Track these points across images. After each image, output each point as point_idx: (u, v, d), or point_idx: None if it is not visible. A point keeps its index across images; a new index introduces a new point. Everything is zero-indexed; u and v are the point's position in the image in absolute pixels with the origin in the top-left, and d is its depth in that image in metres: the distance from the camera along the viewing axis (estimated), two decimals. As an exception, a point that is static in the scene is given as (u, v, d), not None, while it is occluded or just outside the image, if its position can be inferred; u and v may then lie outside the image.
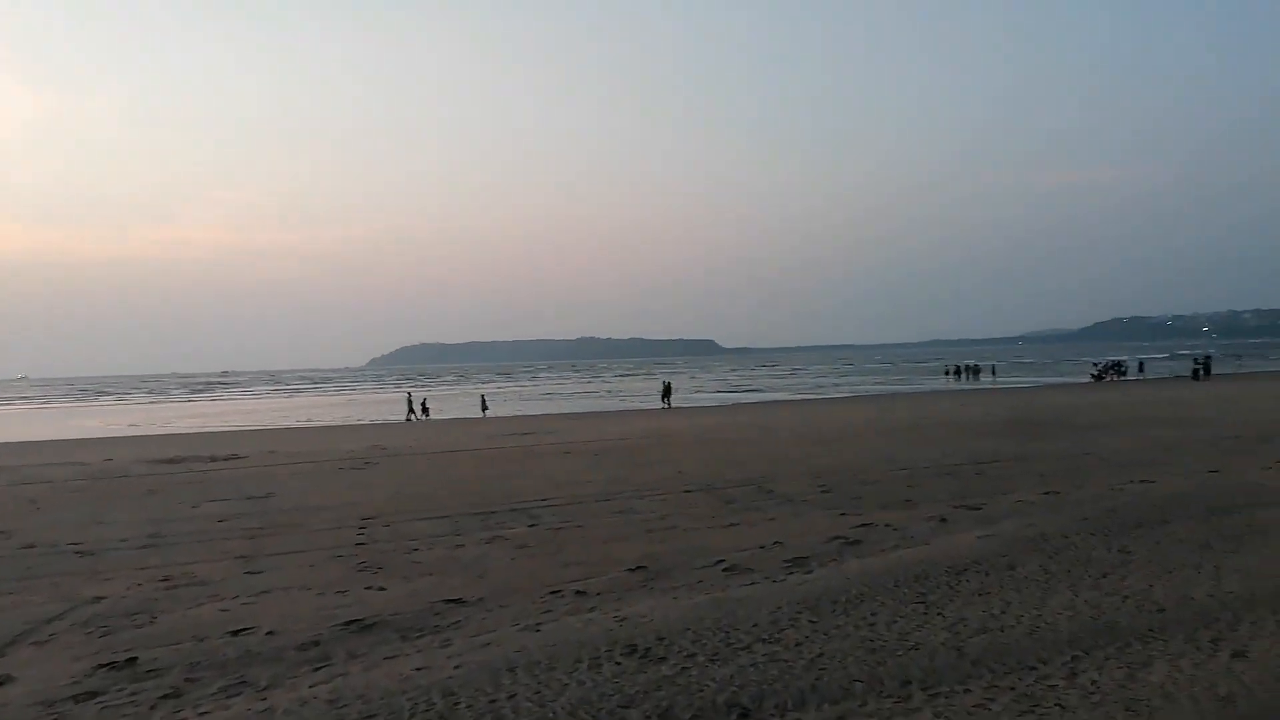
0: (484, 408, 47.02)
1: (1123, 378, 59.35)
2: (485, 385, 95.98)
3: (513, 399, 66.36)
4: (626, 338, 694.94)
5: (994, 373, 74.26)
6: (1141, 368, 64.81)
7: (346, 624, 6.62)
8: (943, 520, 9.59)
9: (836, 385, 72.17)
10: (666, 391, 45.69)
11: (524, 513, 11.65)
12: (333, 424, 41.47)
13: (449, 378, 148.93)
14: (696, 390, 71.00)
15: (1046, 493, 11.11)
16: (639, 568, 8.07)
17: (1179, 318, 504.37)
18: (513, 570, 8.28)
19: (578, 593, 7.26)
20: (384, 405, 62.05)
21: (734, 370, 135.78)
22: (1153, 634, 5.32)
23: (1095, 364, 65.83)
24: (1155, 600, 5.98)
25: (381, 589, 7.77)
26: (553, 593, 7.30)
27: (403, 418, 43.47)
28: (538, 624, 6.28)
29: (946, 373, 75.33)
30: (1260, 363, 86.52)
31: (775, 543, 8.85)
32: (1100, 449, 16.23)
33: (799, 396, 55.83)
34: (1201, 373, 54.27)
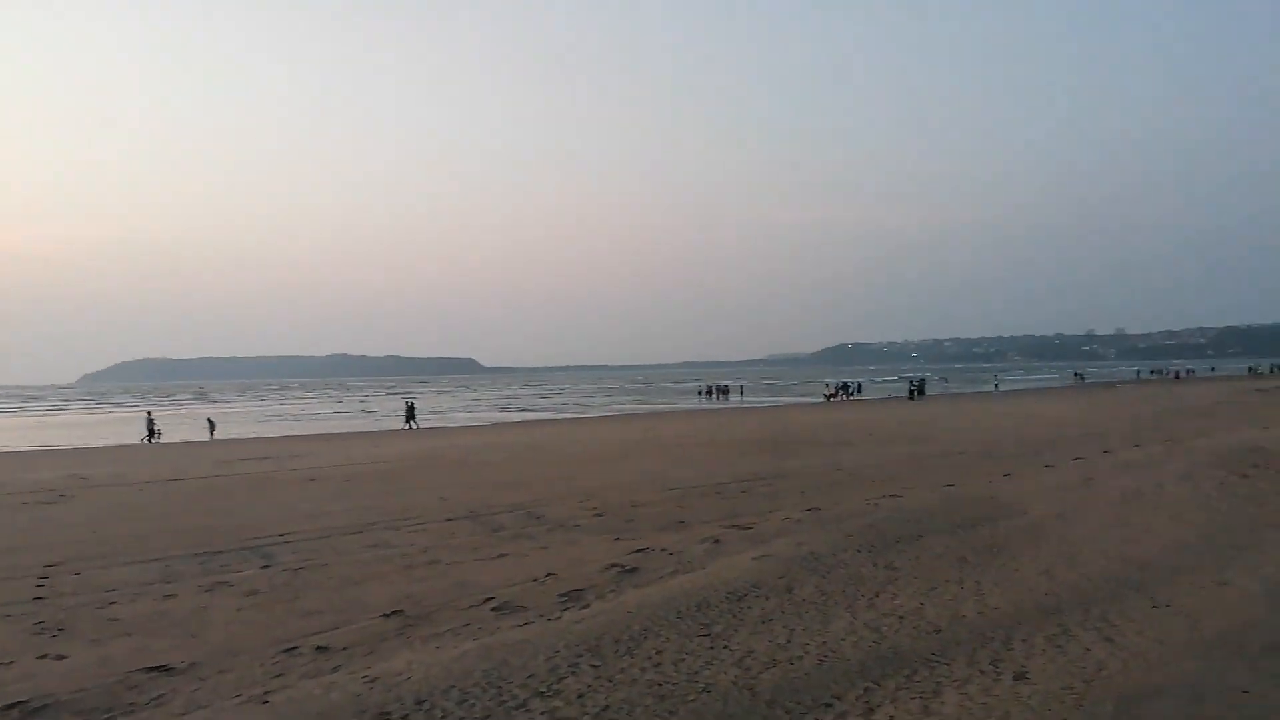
0: (211, 429, 42.24)
1: (851, 397, 65.14)
2: (225, 405, 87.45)
3: (252, 419, 60.68)
4: (382, 355, 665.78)
5: (742, 393, 78.98)
6: (860, 388, 71.45)
7: (7, 708, 5.22)
8: (716, 541, 9.43)
9: (599, 404, 73.10)
10: (410, 413, 43.48)
11: (256, 551, 10.13)
12: (24, 449, 35.55)
13: (181, 396, 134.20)
14: (459, 409, 69.00)
15: (809, 509, 11.36)
16: (395, 612, 7.11)
17: (893, 344, 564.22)
18: (238, 624, 6.99)
19: (319, 649, 6.19)
20: (95, 427, 54.49)
21: (496, 389, 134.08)
22: (935, 658, 5.25)
23: (828, 384, 71.82)
24: (930, 620, 5.99)
25: (61, 657, 6.28)
26: (287, 650, 6.17)
27: (140, 439, 38.14)
28: (265, 693, 5.19)
29: (700, 393, 78.88)
30: (963, 384, 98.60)
31: (549, 574, 8.22)
32: (848, 465, 17.16)
33: (563, 416, 55.77)
34: (916, 393, 60.82)
